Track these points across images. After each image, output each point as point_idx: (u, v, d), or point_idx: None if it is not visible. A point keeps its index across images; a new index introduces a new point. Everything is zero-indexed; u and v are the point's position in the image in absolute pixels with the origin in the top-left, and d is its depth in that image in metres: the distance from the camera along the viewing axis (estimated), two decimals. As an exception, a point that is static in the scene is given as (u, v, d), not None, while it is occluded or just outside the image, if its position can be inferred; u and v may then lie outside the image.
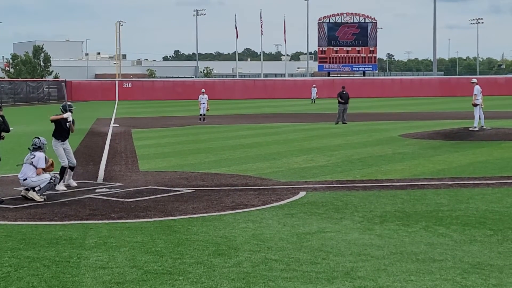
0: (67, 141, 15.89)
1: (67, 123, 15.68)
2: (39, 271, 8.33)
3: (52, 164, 14.55)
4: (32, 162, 14.12)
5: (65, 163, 15.47)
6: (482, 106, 27.99)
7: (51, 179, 13.97)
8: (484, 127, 27.81)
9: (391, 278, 7.95)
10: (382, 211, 12.18)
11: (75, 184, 15.62)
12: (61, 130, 15.72)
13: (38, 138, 14.62)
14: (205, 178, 16.64)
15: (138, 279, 7.97)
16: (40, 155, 14.21)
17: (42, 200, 13.62)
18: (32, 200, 13.60)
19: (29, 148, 14.62)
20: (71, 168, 15.78)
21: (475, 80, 28.95)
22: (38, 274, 8.20)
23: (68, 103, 16.10)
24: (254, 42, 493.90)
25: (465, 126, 29.40)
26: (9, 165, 15.84)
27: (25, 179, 13.99)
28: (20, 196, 13.97)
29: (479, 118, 27.82)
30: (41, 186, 13.77)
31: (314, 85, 70.76)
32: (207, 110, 40.85)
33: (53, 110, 16.24)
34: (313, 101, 66.55)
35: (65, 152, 15.70)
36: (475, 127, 27.63)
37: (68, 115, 15.64)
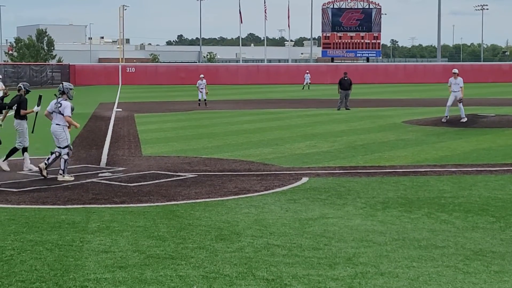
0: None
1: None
2: (42, 255, 8.35)
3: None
4: (59, 110, 14.51)
5: (21, 145, 15.56)
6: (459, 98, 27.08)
7: (56, 152, 14.41)
8: (448, 117, 27.19)
9: (393, 264, 7.96)
10: (385, 198, 12.18)
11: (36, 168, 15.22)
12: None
13: (62, 83, 15.04)
14: (208, 163, 16.64)
15: (141, 263, 7.99)
16: (66, 103, 14.58)
17: (72, 178, 14.08)
18: (60, 181, 13.88)
19: (55, 94, 14.84)
20: (25, 149, 15.81)
21: (456, 71, 27.69)
22: (41, 258, 8.22)
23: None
24: (258, 27, 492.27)
25: (469, 113, 29.32)
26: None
27: (57, 124, 14.45)
28: (22, 180, 13.99)
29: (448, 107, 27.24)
30: (61, 167, 14.17)
31: (307, 71, 69.76)
32: (206, 93, 40.70)
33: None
34: (307, 87, 65.45)
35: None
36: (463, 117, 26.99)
37: (37, 109, 15.79)
